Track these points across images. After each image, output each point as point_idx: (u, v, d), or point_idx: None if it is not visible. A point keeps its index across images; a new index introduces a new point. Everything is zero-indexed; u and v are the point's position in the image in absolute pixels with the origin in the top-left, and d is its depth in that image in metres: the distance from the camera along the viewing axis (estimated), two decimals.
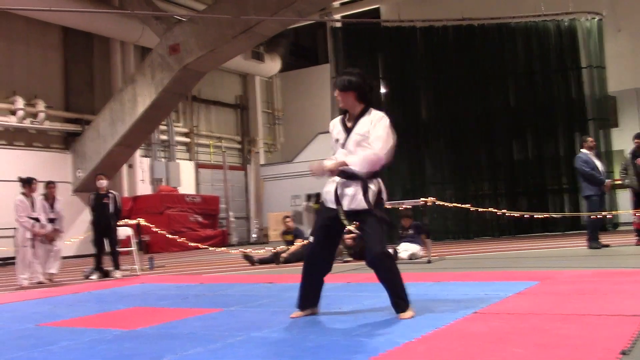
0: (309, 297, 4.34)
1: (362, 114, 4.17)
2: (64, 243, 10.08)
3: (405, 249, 9.45)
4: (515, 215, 11.39)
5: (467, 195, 15.30)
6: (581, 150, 9.90)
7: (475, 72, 16.01)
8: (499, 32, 16.30)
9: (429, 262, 8.77)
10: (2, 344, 4.07)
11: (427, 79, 16.16)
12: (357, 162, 4.00)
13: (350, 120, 4.20)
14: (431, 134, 16.08)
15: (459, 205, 11.74)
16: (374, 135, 4.05)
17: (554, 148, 15.96)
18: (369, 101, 4.23)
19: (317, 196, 15.11)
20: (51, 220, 9.70)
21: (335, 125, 4.28)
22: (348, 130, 4.15)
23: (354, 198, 4.06)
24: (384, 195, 4.17)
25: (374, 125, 4.09)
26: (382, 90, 16.15)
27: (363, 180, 4.04)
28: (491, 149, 16.08)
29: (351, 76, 4.20)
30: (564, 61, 16.15)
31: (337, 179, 4.14)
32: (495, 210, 11.84)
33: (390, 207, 11.30)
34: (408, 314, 4.06)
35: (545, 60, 16.17)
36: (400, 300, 4.13)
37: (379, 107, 14.32)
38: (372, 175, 4.09)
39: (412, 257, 9.37)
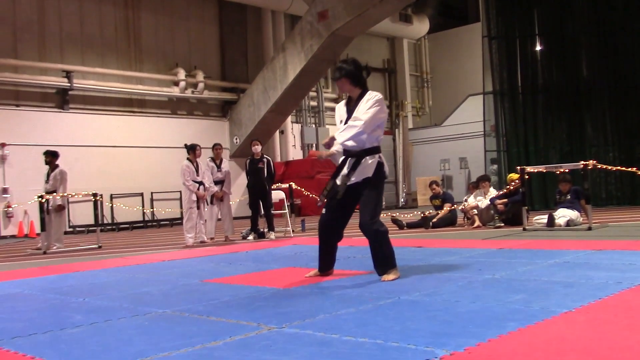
0: (326, 262, 4.86)
1: (360, 96, 4.67)
2: (229, 204, 10.72)
3: (563, 215, 8.96)
4: None
5: (633, 158, 14.11)
6: None
7: None
8: None
9: (589, 229, 8.26)
10: (171, 297, 4.43)
11: (589, 34, 14.92)
12: (341, 134, 4.58)
13: (352, 103, 4.71)
14: (593, 93, 14.91)
15: (624, 168, 10.90)
16: (360, 111, 4.56)
17: None
18: (364, 84, 4.73)
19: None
20: (219, 182, 10.39)
21: (340, 108, 4.82)
22: (350, 112, 4.66)
23: (354, 172, 4.57)
24: (386, 169, 4.69)
25: (366, 102, 4.59)
26: (538, 47, 15.24)
27: (361, 155, 4.57)
28: None
29: (342, 64, 4.71)
30: None
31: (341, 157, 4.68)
32: None
33: (545, 171, 10.78)
34: (390, 276, 4.47)
35: None
36: (382, 264, 4.56)
37: (534, 66, 13.49)
38: (371, 150, 4.59)
39: (570, 223, 8.87)
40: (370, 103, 4.58)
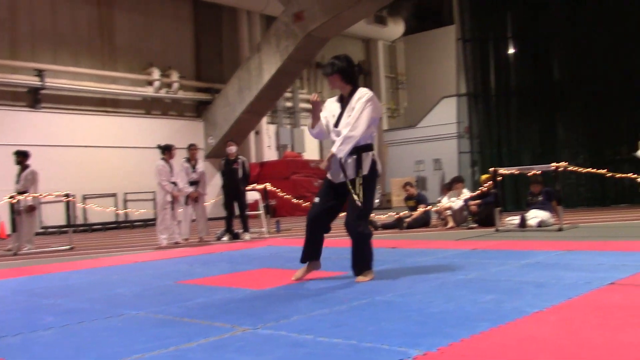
0: (310, 253, 4.78)
1: (351, 94, 4.64)
2: (204, 205, 10.67)
3: (535, 216, 9.09)
4: None
5: (604, 160, 14.35)
6: None
7: (617, 27, 14.67)
8: None
9: (560, 229, 8.38)
10: (145, 299, 4.39)
11: (561, 37, 15.14)
12: (337, 148, 4.55)
13: (343, 100, 4.69)
14: (564, 96, 15.15)
15: (594, 170, 11.09)
16: (352, 116, 4.53)
17: None
18: (356, 81, 4.70)
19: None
20: (193, 183, 10.34)
21: (331, 103, 4.78)
22: (343, 108, 4.64)
23: (349, 170, 4.57)
24: (379, 167, 4.67)
25: (356, 101, 4.56)
26: (511, 50, 15.43)
27: (357, 154, 4.55)
28: (633, 110, 14.85)
29: (335, 60, 4.66)
30: None
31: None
32: (635, 176, 11.07)
33: (518, 172, 10.92)
34: (366, 277, 4.50)
35: None
36: (359, 265, 4.58)
37: (507, 68, 13.59)
38: (365, 147, 4.59)
39: (542, 224, 9.00)
40: (361, 104, 4.51)
